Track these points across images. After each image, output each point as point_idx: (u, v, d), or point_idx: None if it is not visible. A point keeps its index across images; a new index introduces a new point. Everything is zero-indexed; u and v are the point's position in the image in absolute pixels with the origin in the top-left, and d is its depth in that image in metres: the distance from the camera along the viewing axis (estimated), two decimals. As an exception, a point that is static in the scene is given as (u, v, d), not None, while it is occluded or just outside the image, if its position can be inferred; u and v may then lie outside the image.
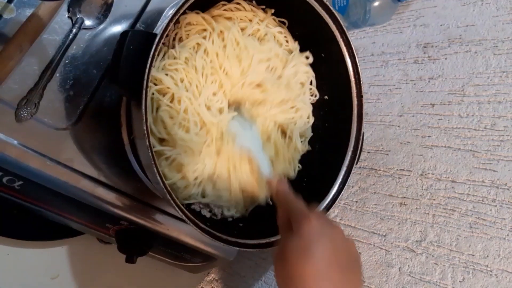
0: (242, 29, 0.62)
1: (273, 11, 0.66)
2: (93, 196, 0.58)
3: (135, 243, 0.63)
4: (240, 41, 0.60)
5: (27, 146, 0.53)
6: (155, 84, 0.54)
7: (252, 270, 0.83)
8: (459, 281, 0.56)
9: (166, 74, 0.54)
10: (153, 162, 0.45)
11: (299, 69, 0.67)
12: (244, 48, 0.60)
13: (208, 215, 0.60)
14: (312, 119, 0.70)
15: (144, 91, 0.44)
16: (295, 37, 0.69)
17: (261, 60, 0.62)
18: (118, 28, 0.59)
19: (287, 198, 0.51)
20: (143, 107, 0.45)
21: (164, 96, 0.54)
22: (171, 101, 0.54)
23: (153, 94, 0.53)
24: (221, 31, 0.59)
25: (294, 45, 0.67)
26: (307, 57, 0.68)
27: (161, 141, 0.56)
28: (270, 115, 0.64)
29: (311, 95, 0.70)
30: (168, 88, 0.54)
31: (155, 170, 0.46)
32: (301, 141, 0.68)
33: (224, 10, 0.62)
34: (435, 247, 0.60)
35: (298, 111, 0.67)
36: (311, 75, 0.69)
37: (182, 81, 0.55)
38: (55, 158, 0.54)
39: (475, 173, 0.60)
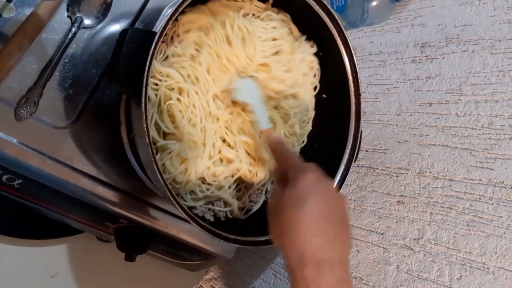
0: (244, 16, 0.63)
1: (271, 1, 0.66)
2: (92, 194, 0.58)
3: (134, 241, 0.63)
4: (241, 25, 0.60)
5: (27, 145, 0.53)
6: (161, 81, 0.54)
7: (251, 268, 0.83)
8: (457, 279, 0.56)
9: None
10: (153, 159, 0.46)
11: (306, 58, 0.67)
12: (247, 32, 0.60)
13: (212, 219, 0.61)
14: (313, 112, 0.70)
15: (143, 89, 0.45)
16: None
17: (266, 39, 0.63)
18: (117, 27, 0.60)
19: (283, 151, 0.52)
20: (143, 105, 0.45)
21: (172, 90, 0.55)
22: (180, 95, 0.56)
23: (156, 90, 0.54)
24: (222, 23, 0.59)
25: (298, 34, 0.68)
26: (311, 46, 0.68)
27: (164, 136, 0.56)
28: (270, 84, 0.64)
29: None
30: (177, 82, 0.55)
31: (155, 168, 0.46)
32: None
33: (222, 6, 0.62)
34: (432, 245, 0.60)
35: (298, 99, 0.67)
36: (315, 66, 0.69)
37: (189, 76, 0.56)
38: (55, 157, 0.55)
39: (472, 172, 0.60)
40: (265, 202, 0.67)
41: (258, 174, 0.65)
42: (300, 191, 0.44)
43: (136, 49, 0.47)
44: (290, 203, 0.43)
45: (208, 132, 0.58)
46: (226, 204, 0.62)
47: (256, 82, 0.63)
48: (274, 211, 0.46)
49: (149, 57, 0.46)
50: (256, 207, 0.65)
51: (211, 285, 0.88)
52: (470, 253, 0.56)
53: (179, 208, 0.49)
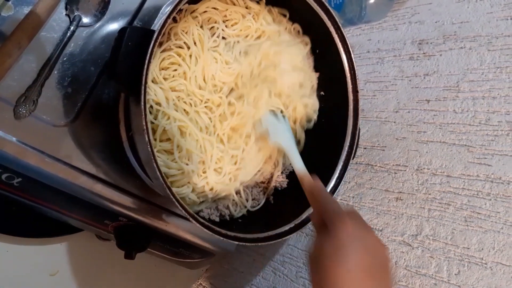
0: (233, 25, 0.63)
1: (264, 1, 0.66)
2: (91, 192, 0.58)
3: (134, 239, 0.63)
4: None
5: (26, 143, 0.53)
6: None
7: (250, 265, 0.83)
8: (455, 274, 0.56)
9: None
10: (152, 157, 0.46)
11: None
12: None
13: (217, 219, 0.61)
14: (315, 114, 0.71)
15: (142, 87, 0.45)
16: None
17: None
18: (115, 26, 0.60)
19: (322, 197, 0.50)
20: (142, 103, 0.45)
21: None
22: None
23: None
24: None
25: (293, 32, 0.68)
26: (306, 43, 0.68)
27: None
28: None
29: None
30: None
31: (155, 165, 0.46)
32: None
33: (214, 8, 0.62)
34: (430, 240, 0.60)
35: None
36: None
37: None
38: (54, 155, 0.55)
39: (470, 168, 0.61)
40: (267, 201, 0.67)
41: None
42: (339, 242, 0.42)
43: (134, 47, 0.47)
44: (329, 256, 0.42)
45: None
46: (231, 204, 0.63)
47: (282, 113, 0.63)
48: (315, 263, 0.44)
49: (148, 55, 0.46)
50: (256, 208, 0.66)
51: (210, 283, 0.88)
52: (468, 248, 0.56)
53: (178, 206, 0.49)
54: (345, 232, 0.43)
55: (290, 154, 0.59)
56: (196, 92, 0.58)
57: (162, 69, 0.57)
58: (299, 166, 0.57)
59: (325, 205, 0.48)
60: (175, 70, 0.57)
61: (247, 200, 0.65)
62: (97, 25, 0.58)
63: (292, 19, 0.68)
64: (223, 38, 0.63)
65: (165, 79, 0.56)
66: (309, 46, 0.69)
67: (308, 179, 0.53)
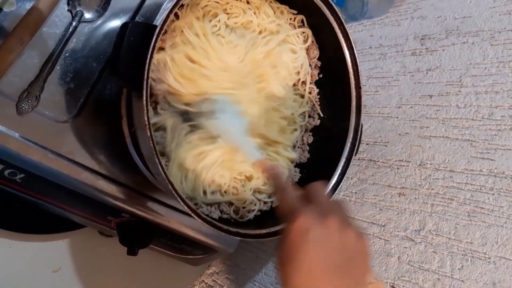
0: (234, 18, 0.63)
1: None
2: (94, 188, 0.58)
3: (137, 235, 0.63)
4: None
5: (29, 139, 0.53)
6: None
7: (252, 262, 0.83)
8: (458, 269, 0.56)
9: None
10: (154, 152, 0.46)
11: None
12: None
13: (216, 217, 0.61)
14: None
15: (145, 82, 0.45)
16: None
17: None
18: (117, 21, 0.60)
19: (279, 186, 0.49)
20: (144, 98, 0.45)
21: None
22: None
23: None
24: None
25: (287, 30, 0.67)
26: (305, 41, 0.68)
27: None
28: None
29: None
30: None
31: (157, 161, 0.46)
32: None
33: (215, 2, 0.62)
34: (433, 235, 0.60)
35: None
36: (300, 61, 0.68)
37: None
38: (56, 151, 0.55)
39: (473, 163, 0.61)
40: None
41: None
42: (290, 244, 0.40)
43: (137, 43, 0.47)
44: (281, 260, 0.41)
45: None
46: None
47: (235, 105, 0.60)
48: (277, 259, 0.42)
49: (150, 50, 0.46)
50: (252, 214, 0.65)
51: (213, 280, 0.88)
52: (471, 243, 0.56)
53: (180, 201, 0.49)
54: (294, 233, 0.40)
55: (243, 148, 0.58)
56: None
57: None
58: (253, 154, 0.57)
59: (283, 199, 0.47)
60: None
61: (254, 204, 0.64)
62: (99, 20, 0.58)
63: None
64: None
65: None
66: (310, 39, 0.68)
67: (263, 165, 0.53)
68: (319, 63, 0.70)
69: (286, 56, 0.65)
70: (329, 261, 0.40)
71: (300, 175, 0.68)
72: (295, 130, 0.69)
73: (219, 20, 0.61)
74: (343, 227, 0.42)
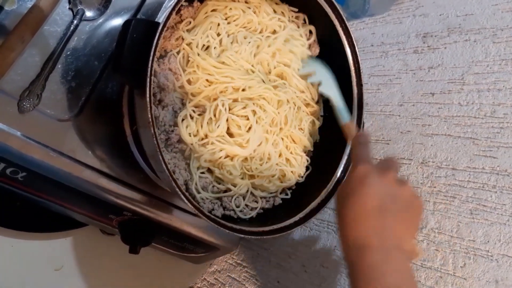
0: (235, 21, 0.63)
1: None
2: (96, 186, 0.58)
3: (138, 233, 0.63)
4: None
5: (30, 137, 0.53)
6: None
7: (254, 260, 0.83)
8: (460, 267, 0.56)
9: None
10: (158, 150, 0.46)
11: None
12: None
13: (219, 214, 0.61)
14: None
15: (148, 79, 0.45)
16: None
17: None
18: (118, 20, 0.60)
19: (356, 143, 0.55)
20: (147, 95, 0.45)
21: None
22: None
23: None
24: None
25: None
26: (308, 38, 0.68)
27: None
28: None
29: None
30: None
31: (160, 158, 0.46)
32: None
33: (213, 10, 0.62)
34: (436, 233, 0.60)
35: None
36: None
37: None
38: (58, 149, 0.55)
39: (475, 160, 0.60)
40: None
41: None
42: (349, 185, 0.48)
43: (140, 40, 0.47)
44: (340, 197, 0.49)
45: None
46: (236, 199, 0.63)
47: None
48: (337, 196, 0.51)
49: (153, 47, 0.46)
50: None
51: (215, 278, 0.88)
52: (474, 241, 0.56)
53: (183, 198, 0.49)
54: (354, 177, 0.48)
55: (336, 104, 0.64)
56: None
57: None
58: (345, 116, 0.62)
59: (352, 154, 0.55)
60: None
61: (256, 202, 0.64)
62: (101, 19, 0.58)
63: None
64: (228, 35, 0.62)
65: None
66: (313, 37, 0.68)
67: (353, 127, 0.60)
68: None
69: (295, 52, 0.66)
70: (380, 203, 0.46)
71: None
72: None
73: (219, 34, 0.61)
74: (400, 181, 0.48)
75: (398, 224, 0.46)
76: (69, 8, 0.56)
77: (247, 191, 0.63)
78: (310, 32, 0.68)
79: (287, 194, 0.67)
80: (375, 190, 0.46)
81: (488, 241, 0.55)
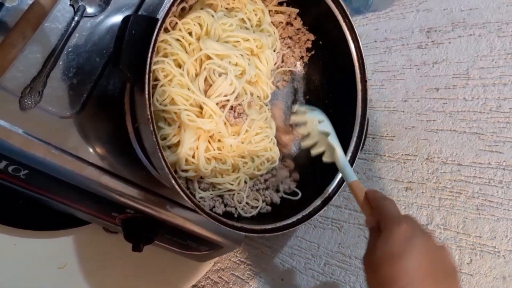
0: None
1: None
2: (98, 184, 0.58)
3: (141, 231, 0.63)
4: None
5: (32, 135, 0.53)
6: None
7: (258, 258, 0.83)
8: (467, 263, 0.55)
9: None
10: (157, 147, 0.45)
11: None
12: None
13: (220, 211, 0.60)
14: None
15: (147, 76, 0.44)
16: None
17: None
18: (119, 16, 0.59)
19: (379, 199, 0.49)
20: (146, 92, 0.45)
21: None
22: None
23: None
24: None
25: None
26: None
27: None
28: None
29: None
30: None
31: (160, 155, 0.46)
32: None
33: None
34: (442, 230, 0.59)
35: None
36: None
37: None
38: (60, 147, 0.55)
39: (481, 156, 0.60)
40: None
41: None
42: (395, 245, 0.42)
43: (138, 36, 0.46)
44: (385, 258, 0.42)
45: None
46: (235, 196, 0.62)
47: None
48: (370, 264, 0.44)
49: (152, 43, 0.45)
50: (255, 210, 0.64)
51: (218, 276, 0.87)
52: (480, 237, 0.56)
53: (184, 196, 0.48)
54: (401, 235, 0.42)
55: (343, 164, 0.57)
56: None
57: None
58: (352, 176, 0.55)
59: (383, 208, 0.48)
60: None
61: (257, 200, 0.64)
62: (102, 15, 0.58)
63: (299, 9, 0.67)
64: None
65: None
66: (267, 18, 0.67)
67: (360, 186, 0.53)
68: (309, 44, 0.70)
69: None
70: (431, 269, 0.41)
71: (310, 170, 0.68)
72: None
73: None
74: (440, 244, 0.44)
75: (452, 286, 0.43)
76: (70, 5, 0.55)
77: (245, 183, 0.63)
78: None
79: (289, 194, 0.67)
80: (426, 250, 0.42)
81: (495, 237, 0.54)
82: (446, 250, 0.45)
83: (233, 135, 0.59)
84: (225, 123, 0.56)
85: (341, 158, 0.58)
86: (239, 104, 0.56)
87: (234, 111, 0.56)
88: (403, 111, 0.72)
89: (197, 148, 0.57)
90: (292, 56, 0.71)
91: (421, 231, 0.44)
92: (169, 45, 0.54)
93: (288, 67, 0.71)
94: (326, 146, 0.61)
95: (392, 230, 0.43)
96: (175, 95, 0.53)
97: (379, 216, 0.47)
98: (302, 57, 0.72)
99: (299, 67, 0.73)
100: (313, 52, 0.71)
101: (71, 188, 0.57)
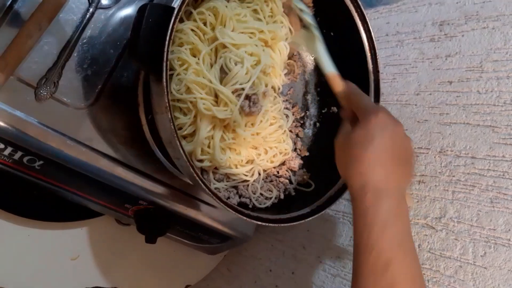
0: None
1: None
2: (112, 175, 0.58)
3: (154, 223, 0.63)
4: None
5: (47, 125, 0.53)
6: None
7: (268, 251, 0.83)
8: (481, 256, 0.55)
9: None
10: (175, 134, 0.45)
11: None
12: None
13: (235, 202, 0.60)
14: None
15: (164, 64, 0.44)
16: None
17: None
18: (134, 8, 0.60)
19: (356, 93, 0.55)
20: (164, 80, 0.45)
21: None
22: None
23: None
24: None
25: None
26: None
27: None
28: None
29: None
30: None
31: (178, 143, 0.46)
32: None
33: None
34: (455, 223, 0.59)
35: None
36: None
37: None
38: (75, 137, 0.55)
39: (495, 148, 0.59)
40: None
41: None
42: (370, 131, 0.48)
43: (155, 24, 0.46)
44: (358, 141, 0.48)
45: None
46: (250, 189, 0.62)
47: None
48: (342, 146, 0.52)
49: (169, 32, 0.45)
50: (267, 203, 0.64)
51: (228, 269, 0.88)
52: (494, 230, 0.55)
53: (202, 185, 0.48)
54: (376, 122, 0.48)
55: (321, 53, 0.60)
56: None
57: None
58: (330, 68, 0.59)
59: (360, 100, 0.53)
60: None
61: (271, 191, 0.64)
62: (116, 7, 0.58)
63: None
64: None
65: None
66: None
67: (339, 80, 0.57)
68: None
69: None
70: (394, 153, 0.48)
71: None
72: None
73: None
74: (406, 135, 0.51)
75: (404, 173, 0.50)
76: (85, -4, 0.56)
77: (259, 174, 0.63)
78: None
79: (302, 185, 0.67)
80: (394, 138, 0.48)
81: (510, 230, 0.54)
82: (409, 140, 0.51)
83: (248, 126, 0.59)
84: (240, 113, 0.56)
85: (320, 46, 0.61)
86: (254, 94, 0.56)
87: (250, 101, 0.56)
88: (415, 105, 0.72)
89: (212, 138, 0.57)
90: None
91: (394, 120, 0.50)
92: (184, 34, 0.54)
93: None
94: (303, 36, 0.63)
95: (370, 118, 0.48)
96: (191, 84, 0.54)
97: (357, 107, 0.52)
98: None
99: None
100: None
101: (85, 179, 0.57)
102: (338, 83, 0.57)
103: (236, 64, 0.55)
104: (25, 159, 0.54)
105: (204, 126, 0.55)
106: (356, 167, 0.48)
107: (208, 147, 0.57)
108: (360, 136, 0.49)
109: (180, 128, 0.56)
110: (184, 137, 0.57)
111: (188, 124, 0.56)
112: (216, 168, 0.60)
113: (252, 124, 0.59)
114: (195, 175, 0.47)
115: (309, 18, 0.62)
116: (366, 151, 0.47)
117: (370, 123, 0.48)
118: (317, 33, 0.62)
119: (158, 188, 0.62)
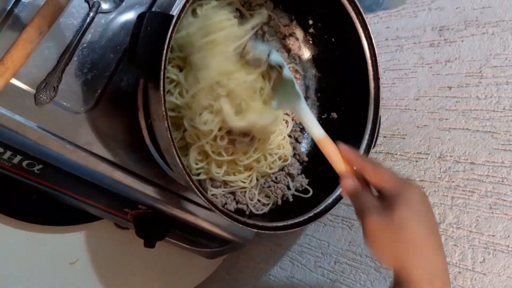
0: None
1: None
2: (111, 179, 0.58)
3: (153, 227, 0.63)
4: None
5: (47, 130, 0.53)
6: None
7: (267, 256, 0.83)
8: (480, 262, 0.55)
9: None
10: (171, 143, 0.45)
11: None
12: None
13: (232, 208, 0.60)
14: None
15: (162, 72, 0.44)
16: (312, 19, 0.69)
17: None
18: (134, 13, 0.59)
19: (367, 163, 0.47)
20: (161, 88, 0.45)
21: None
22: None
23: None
24: None
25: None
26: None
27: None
28: None
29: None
30: None
31: (174, 151, 0.46)
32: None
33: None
34: (454, 228, 0.59)
35: None
36: None
37: None
38: (74, 142, 0.55)
39: (494, 154, 0.59)
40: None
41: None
42: (419, 205, 0.42)
43: (154, 33, 0.47)
44: (410, 218, 0.41)
45: None
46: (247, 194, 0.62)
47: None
48: (384, 228, 0.41)
49: (167, 40, 0.45)
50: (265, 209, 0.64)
51: (227, 273, 0.88)
52: (494, 236, 0.55)
53: (198, 193, 0.48)
54: (420, 195, 0.42)
55: (307, 119, 0.51)
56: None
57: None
58: (319, 130, 0.51)
59: (384, 173, 0.45)
60: None
61: (269, 197, 0.64)
62: (116, 11, 0.58)
63: (312, 5, 0.67)
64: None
65: None
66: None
67: (331, 142, 0.50)
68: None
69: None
70: (429, 221, 0.42)
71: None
72: None
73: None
74: None
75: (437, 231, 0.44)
76: (85, 1, 0.56)
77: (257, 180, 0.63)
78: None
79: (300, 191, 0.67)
80: (424, 210, 0.42)
81: (509, 236, 0.54)
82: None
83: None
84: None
85: (304, 108, 0.51)
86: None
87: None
88: (415, 110, 0.72)
89: (206, 158, 0.57)
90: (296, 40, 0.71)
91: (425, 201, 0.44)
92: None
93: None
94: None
95: (410, 190, 0.42)
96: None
97: (380, 180, 0.45)
98: (308, 41, 0.72)
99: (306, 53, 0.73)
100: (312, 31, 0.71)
101: (84, 183, 0.57)
102: (333, 148, 0.50)
103: None
104: (24, 163, 0.54)
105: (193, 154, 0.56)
106: (419, 252, 0.40)
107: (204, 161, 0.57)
108: (408, 212, 0.41)
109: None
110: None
111: (178, 138, 0.56)
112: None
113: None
114: (191, 183, 0.47)
115: (289, 74, 0.55)
116: (426, 230, 0.41)
117: (415, 195, 0.42)
118: (299, 91, 0.54)
119: (157, 193, 0.62)
